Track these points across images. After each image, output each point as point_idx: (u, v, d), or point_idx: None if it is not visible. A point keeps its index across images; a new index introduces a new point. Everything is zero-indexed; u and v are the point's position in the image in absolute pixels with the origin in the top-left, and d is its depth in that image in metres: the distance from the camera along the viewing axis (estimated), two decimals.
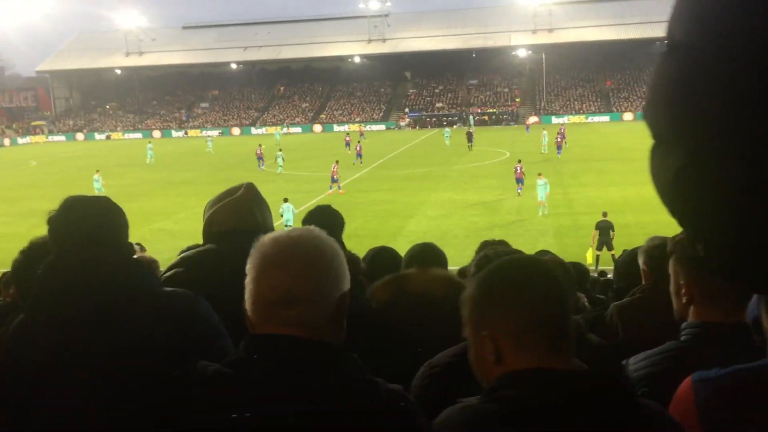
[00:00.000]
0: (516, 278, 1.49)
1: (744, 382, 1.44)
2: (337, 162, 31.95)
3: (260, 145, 44.95)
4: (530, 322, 1.44)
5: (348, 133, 59.00)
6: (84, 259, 2.04)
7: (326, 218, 3.78)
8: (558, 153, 40.79)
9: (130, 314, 1.98)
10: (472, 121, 70.42)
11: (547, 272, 1.50)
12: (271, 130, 77.05)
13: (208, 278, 2.48)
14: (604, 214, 18.78)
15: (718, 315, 1.96)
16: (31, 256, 2.87)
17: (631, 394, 1.47)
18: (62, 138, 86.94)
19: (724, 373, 1.48)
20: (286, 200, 23.99)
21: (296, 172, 39.33)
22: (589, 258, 17.62)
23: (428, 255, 3.51)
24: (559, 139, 41.59)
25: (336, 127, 79.72)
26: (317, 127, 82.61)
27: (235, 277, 1.67)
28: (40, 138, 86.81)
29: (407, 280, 3.20)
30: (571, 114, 77.12)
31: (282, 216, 23.01)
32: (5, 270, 6.66)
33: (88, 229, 2.08)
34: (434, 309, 2.83)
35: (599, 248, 18.08)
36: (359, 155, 42.43)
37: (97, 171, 34.02)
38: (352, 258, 3.84)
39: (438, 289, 3.04)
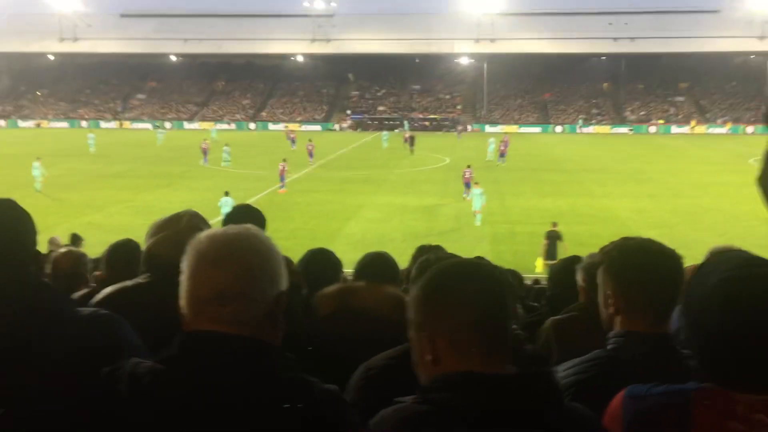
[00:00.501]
0: (455, 282, 1.52)
1: (667, 403, 1.50)
2: (284, 160, 31.64)
3: (205, 139, 44.31)
4: (465, 326, 1.47)
5: (293, 131, 58.93)
6: None
7: (248, 218, 3.70)
8: (501, 161, 41.58)
9: (38, 347, 1.77)
10: (407, 126, 70.49)
11: (487, 276, 1.53)
12: (207, 125, 75.73)
13: (141, 315, 2.20)
14: (554, 224, 19.03)
15: (642, 325, 2.01)
16: None
17: (558, 397, 1.52)
18: None
19: (653, 392, 1.54)
20: (227, 193, 23.97)
21: (237, 170, 38.77)
22: (538, 266, 17.91)
23: (381, 268, 3.38)
24: (502, 148, 42.63)
25: (271, 126, 78.95)
26: (252, 125, 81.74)
27: (171, 314, 1.62)
28: None
29: (355, 295, 3.04)
30: (509, 123, 78.51)
31: (221, 209, 22.75)
32: None
33: None
34: (378, 329, 2.69)
35: (548, 258, 18.25)
36: (311, 155, 42.24)
37: (38, 158, 31.83)
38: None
39: (386, 309, 2.89)
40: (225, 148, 41.29)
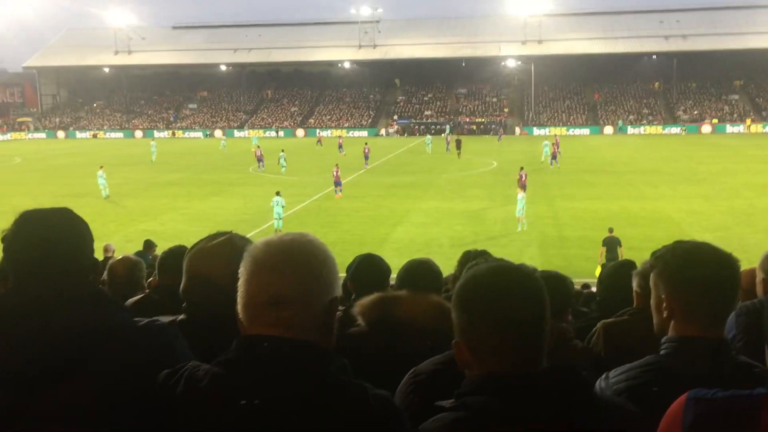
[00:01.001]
0: (483, 287, 1.57)
1: (733, 406, 1.47)
2: (337, 166, 31.98)
3: (258, 147, 45.31)
4: (493, 329, 1.53)
5: (340, 136, 60.32)
6: (42, 294, 1.85)
7: (374, 266, 3.77)
8: (553, 163, 41.17)
9: (95, 358, 1.78)
10: (448, 130, 70.44)
11: (518, 283, 1.57)
12: (257, 133, 77.21)
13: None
14: (611, 230, 18.49)
15: (696, 330, 1.98)
16: None
17: (587, 393, 1.55)
18: (43, 135, 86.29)
19: (718, 396, 1.50)
20: (278, 193, 24.88)
21: (287, 176, 39.25)
22: (597, 274, 17.59)
23: (423, 276, 3.29)
24: (554, 149, 42.12)
25: (319, 132, 79.63)
26: (300, 132, 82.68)
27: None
28: (19, 135, 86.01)
29: (395, 304, 2.93)
30: (558, 125, 77.53)
31: (273, 208, 24.16)
32: None
33: (45, 249, 1.89)
34: (418, 339, 2.64)
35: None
36: (367, 158, 43.39)
37: (101, 167, 33.36)
38: None
39: (427, 318, 2.78)
40: (281, 153, 42.39)
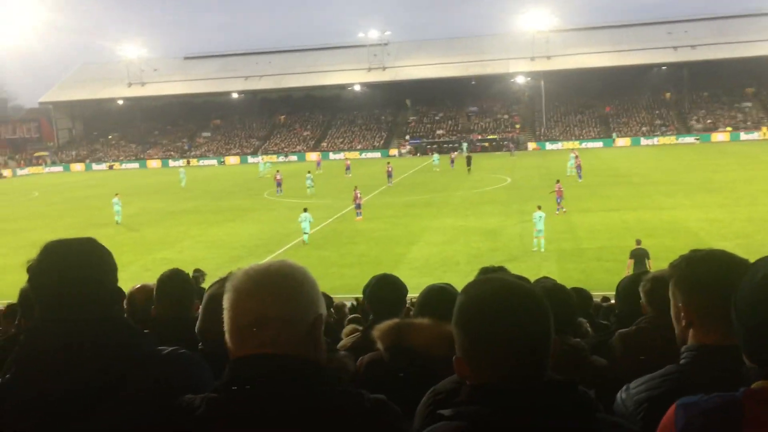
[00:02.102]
0: (480, 308, 1.60)
1: (717, 406, 1.50)
2: (356, 188, 32.18)
3: (278, 171, 45.99)
4: (490, 351, 1.57)
5: (347, 158, 61.68)
6: (68, 322, 1.88)
7: (393, 285, 3.80)
8: (579, 177, 41.11)
9: (120, 391, 1.82)
10: (465, 148, 72.54)
11: (514, 301, 1.58)
12: (272, 158, 77.95)
13: None
14: (638, 242, 18.37)
15: (716, 338, 1.97)
16: None
17: (585, 404, 1.57)
18: (60, 169, 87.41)
19: (704, 399, 1.54)
20: (305, 210, 26.48)
21: (302, 199, 39.42)
22: None
23: (442, 303, 3.10)
24: (578, 163, 42.47)
25: (332, 155, 79.95)
26: (313, 156, 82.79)
27: None
28: (37, 169, 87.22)
29: (411, 333, 2.87)
30: (570, 140, 77.38)
31: (301, 224, 25.85)
32: (4, 301, 6.68)
33: (70, 279, 1.93)
34: (432, 368, 2.55)
35: None
36: (390, 176, 45.29)
37: (116, 194, 34.79)
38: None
39: (443, 348, 2.60)
40: (308, 175, 43.91)
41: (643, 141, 75.86)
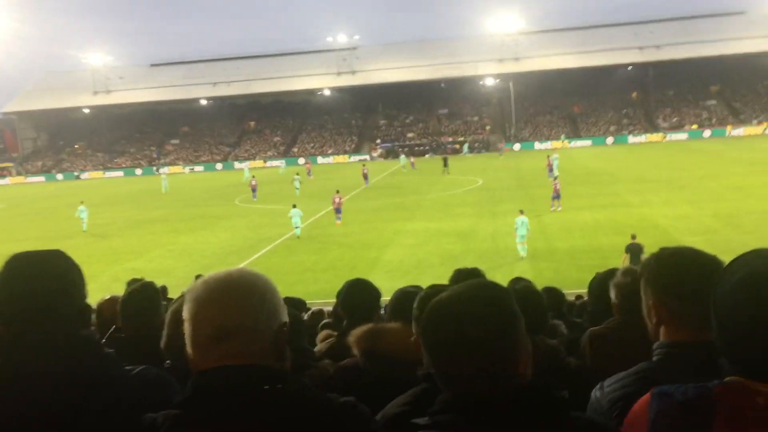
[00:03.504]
0: (439, 323, 1.60)
1: (691, 397, 1.52)
2: (337, 191, 32.06)
3: (254, 177, 46.01)
4: (449, 353, 1.57)
5: (307, 160, 64.13)
6: (32, 339, 1.82)
7: (364, 292, 3.83)
8: (549, 176, 41.36)
9: (85, 413, 1.76)
10: (466, 148, 76.12)
11: (476, 310, 1.57)
12: (257, 164, 78.74)
13: None
14: (633, 237, 18.37)
15: (687, 334, 1.99)
16: None
17: (560, 408, 1.57)
18: (25, 180, 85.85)
19: (678, 389, 1.56)
20: (294, 206, 28.02)
21: (269, 205, 39.21)
22: None
23: (411, 304, 3.23)
24: (550, 163, 42.95)
25: (301, 161, 79.83)
26: (281, 162, 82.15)
27: None
28: (4, 180, 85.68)
29: (385, 337, 2.89)
30: (540, 140, 78.20)
31: (292, 219, 27.34)
32: None
33: (35, 295, 1.86)
34: (405, 373, 2.54)
35: None
36: (366, 178, 46.66)
37: (82, 202, 35.18)
38: (294, 317, 3.78)
39: (414, 352, 2.70)
40: (296, 176, 45.49)
41: (631, 139, 76.67)
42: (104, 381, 1.84)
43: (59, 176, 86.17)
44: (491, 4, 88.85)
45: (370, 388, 2.60)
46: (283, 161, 79.29)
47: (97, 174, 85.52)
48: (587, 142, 77.11)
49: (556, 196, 29.71)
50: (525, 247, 21.58)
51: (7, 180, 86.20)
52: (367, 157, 79.73)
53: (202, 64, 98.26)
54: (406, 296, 3.29)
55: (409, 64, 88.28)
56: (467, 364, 1.55)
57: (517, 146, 77.29)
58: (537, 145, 74.82)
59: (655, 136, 75.77)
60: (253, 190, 43.35)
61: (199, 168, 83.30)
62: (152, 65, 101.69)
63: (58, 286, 1.92)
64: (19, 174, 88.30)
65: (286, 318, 1.67)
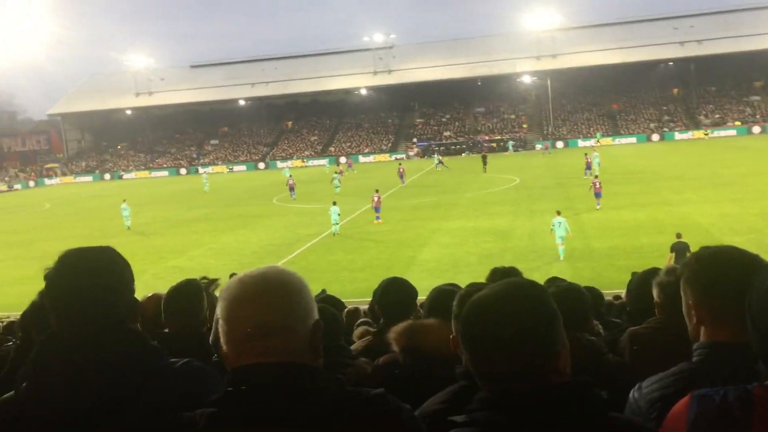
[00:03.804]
0: (477, 322, 1.62)
1: (729, 400, 1.52)
2: (377, 191, 32.22)
3: (290, 176, 46.44)
4: (493, 352, 1.58)
5: (348, 159, 68.47)
6: (83, 332, 1.89)
7: (402, 291, 3.88)
8: (585, 174, 41.09)
9: (132, 406, 1.82)
10: (510, 146, 75.66)
11: (517, 308, 1.59)
12: (297, 163, 79.80)
13: None
14: (678, 236, 18.02)
15: (727, 335, 1.97)
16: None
17: (599, 406, 1.57)
18: (70, 180, 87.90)
19: (717, 393, 1.56)
20: (334, 203, 28.94)
21: (308, 204, 39.49)
22: None
23: (451, 304, 3.27)
24: (588, 161, 42.54)
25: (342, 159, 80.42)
26: (321, 161, 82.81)
27: None
28: (52, 181, 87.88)
29: (423, 334, 2.93)
30: (578, 138, 77.20)
31: (332, 216, 28.17)
32: (17, 312, 6.74)
33: (87, 289, 1.92)
34: (444, 368, 2.61)
35: None
36: (402, 176, 47.03)
37: (124, 200, 36.27)
38: (332, 316, 3.81)
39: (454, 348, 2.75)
40: (335, 175, 46.58)
41: (678, 136, 75.15)
42: (150, 373, 1.89)
43: (106, 176, 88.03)
44: (528, 1, 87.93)
45: (409, 384, 2.64)
46: (326, 160, 79.49)
47: (140, 174, 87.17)
48: (631, 140, 75.78)
49: (598, 194, 29.35)
50: (563, 248, 21.15)
51: (58, 180, 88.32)
52: (404, 155, 79.73)
53: (241, 65, 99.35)
54: (443, 294, 3.32)
55: (445, 62, 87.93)
56: (505, 363, 1.57)
57: (560, 144, 76.36)
58: (581, 143, 73.61)
59: (698, 133, 74.20)
60: (291, 189, 43.74)
61: (240, 167, 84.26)
62: (192, 66, 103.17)
63: (108, 281, 1.97)
64: (64, 174, 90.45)
65: (317, 316, 1.70)
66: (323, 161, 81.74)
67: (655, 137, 75.50)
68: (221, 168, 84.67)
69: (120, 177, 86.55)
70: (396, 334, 3.00)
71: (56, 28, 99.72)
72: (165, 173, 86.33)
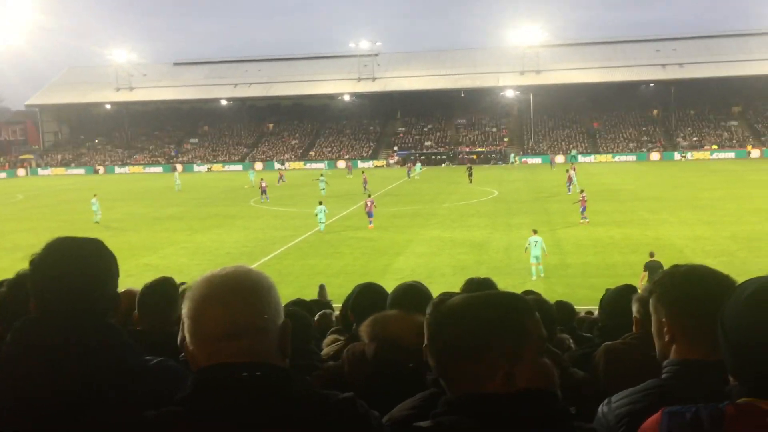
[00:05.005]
0: (449, 325, 1.62)
1: (701, 417, 1.53)
2: (369, 196, 32.32)
3: (262, 179, 46.18)
4: (456, 352, 1.59)
5: (348, 163, 67.71)
6: (64, 319, 1.87)
7: (417, 294, 3.86)
8: (569, 191, 41.46)
9: (105, 398, 1.81)
10: (512, 157, 76.20)
11: (491, 314, 1.60)
12: (258, 165, 78.15)
13: None
14: (651, 254, 18.19)
15: (699, 353, 1.97)
16: (18, 289, 2.73)
17: (564, 415, 1.58)
18: (45, 172, 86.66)
19: (689, 410, 1.57)
20: (320, 203, 30.34)
21: (285, 208, 39.34)
22: None
23: (412, 297, 3.42)
24: (569, 177, 43.03)
25: (315, 165, 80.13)
26: (299, 165, 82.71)
27: None
28: (46, 171, 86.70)
29: (385, 324, 3.05)
30: (558, 154, 77.92)
31: (317, 216, 29.31)
32: None
33: (73, 278, 1.92)
34: (404, 356, 2.72)
35: None
36: (365, 185, 46.51)
37: (95, 195, 36.10)
38: (304, 320, 3.83)
39: (412, 336, 2.84)
40: (321, 178, 46.90)
41: (629, 157, 76.40)
42: (125, 369, 1.89)
43: (100, 169, 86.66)
44: (514, 16, 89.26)
45: (378, 374, 2.75)
46: (326, 163, 78.93)
47: (117, 169, 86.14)
48: (606, 157, 76.76)
49: (583, 208, 29.86)
50: (541, 268, 20.51)
51: (49, 171, 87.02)
52: (384, 163, 79.77)
53: (225, 65, 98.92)
54: (405, 289, 3.56)
55: (430, 72, 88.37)
56: (475, 366, 1.57)
57: (537, 160, 76.92)
58: (560, 159, 74.13)
59: (675, 155, 75.30)
60: (263, 191, 43.39)
61: (235, 167, 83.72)
62: (175, 64, 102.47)
63: (94, 271, 1.97)
64: (39, 166, 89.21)
65: (283, 316, 1.68)
66: (322, 165, 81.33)
67: (631, 158, 76.41)
68: (218, 166, 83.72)
69: (96, 171, 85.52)
70: (364, 326, 3.10)
71: (38, 15, 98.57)
72: (141, 169, 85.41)
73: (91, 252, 2.00)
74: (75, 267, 1.93)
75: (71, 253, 1.97)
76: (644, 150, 77.84)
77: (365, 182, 46.86)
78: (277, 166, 75.02)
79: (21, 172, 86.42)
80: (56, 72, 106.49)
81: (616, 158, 76.27)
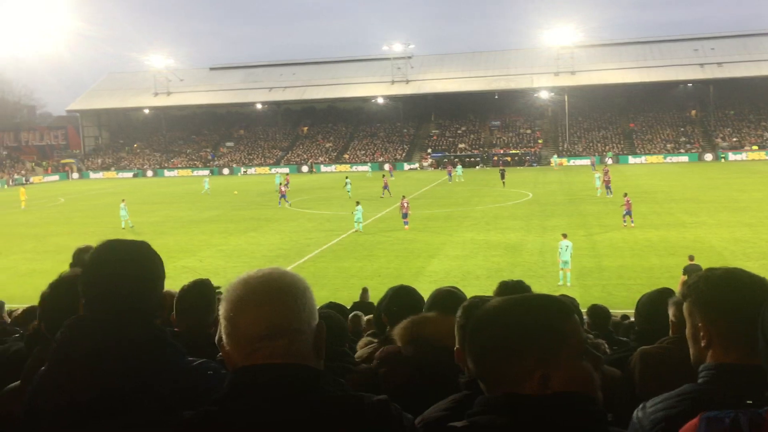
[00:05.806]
0: (486, 328, 1.64)
1: (741, 425, 1.51)
2: (404, 197, 32.32)
3: (281, 184, 46.32)
4: (501, 365, 1.60)
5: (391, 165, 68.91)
6: (110, 323, 1.92)
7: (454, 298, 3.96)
8: (608, 193, 40.63)
9: (145, 400, 1.85)
10: (554, 160, 74.58)
11: (520, 316, 1.62)
12: (291, 169, 78.58)
13: None
14: (691, 258, 17.83)
15: (735, 357, 1.95)
16: (60, 290, 2.82)
17: (599, 420, 1.57)
18: (86, 176, 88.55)
19: (728, 415, 1.55)
20: (358, 203, 31.66)
21: (320, 210, 39.55)
22: None
23: (450, 300, 3.46)
24: (606, 179, 41.86)
25: (353, 168, 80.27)
26: (334, 168, 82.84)
27: None
28: (97, 174, 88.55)
29: (424, 324, 3.10)
30: (593, 155, 76.91)
31: (355, 215, 30.50)
32: (31, 305, 6.78)
33: (123, 279, 1.97)
34: (443, 356, 2.72)
35: None
36: (386, 188, 46.22)
37: (123, 200, 36.66)
38: (339, 322, 3.87)
39: (450, 339, 2.86)
40: (347, 180, 47.46)
41: (608, 160, 74.83)
42: (169, 370, 1.93)
43: (123, 174, 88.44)
44: (548, 17, 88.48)
45: (413, 370, 2.80)
46: (369, 166, 78.64)
47: (156, 172, 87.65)
48: (642, 159, 75.51)
49: (628, 212, 29.04)
50: (568, 274, 19.90)
51: (101, 174, 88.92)
52: (416, 166, 79.69)
53: (260, 69, 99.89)
54: (442, 293, 3.55)
55: (463, 74, 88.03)
56: (511, 368, 1.58)
57: (584, 161, 75.69)
58: (609, 161, 72.71)
59: (714, 156, 73.76)
60: (282, 195, 43.29)
61: (252, 171, 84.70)
62: (212, 69, 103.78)
63: (142, 273, 2.03)
64: (80, 170, 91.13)
65: (318, 318, 1.70)
66: (366, 167, 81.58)
67: (669, 159, 75.01)
68: (264, 169, 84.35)
69: (135, 175, 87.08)
70: (399, 329, 3.14)
71: (79, 23, 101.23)
72: (176, 173, 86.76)
73: (141, 254, 2.06)
74: (125, 268, 1.99)
75: (121, 255, 2.03)
76: (695, 151, 76.19)
77: (386, 186, 46.04)
78: (387, 167, 73.39)
79: (75, 175, 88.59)
80: (96, 78, 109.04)
81: (668, 159, 74.76)
